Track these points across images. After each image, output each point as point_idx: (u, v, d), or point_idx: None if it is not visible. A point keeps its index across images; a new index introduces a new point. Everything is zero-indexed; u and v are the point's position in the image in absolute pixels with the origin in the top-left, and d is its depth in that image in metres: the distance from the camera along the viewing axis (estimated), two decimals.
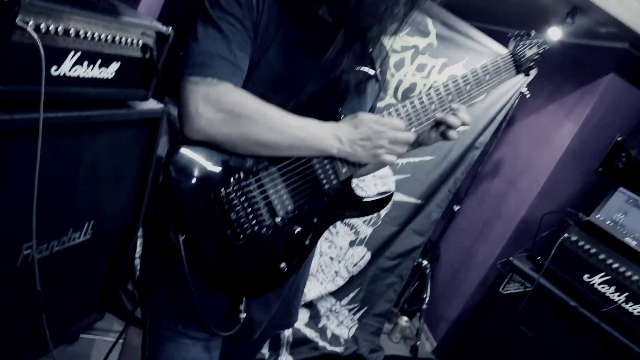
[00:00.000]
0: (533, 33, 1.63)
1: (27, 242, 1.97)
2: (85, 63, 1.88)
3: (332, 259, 3.63)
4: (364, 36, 1.34)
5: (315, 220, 1.39)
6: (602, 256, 2.98)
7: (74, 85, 1.89)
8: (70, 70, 1.84)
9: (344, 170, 1.40)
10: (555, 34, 3.47)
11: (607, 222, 3.12)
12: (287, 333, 3.46)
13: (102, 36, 1.88)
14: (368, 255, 3.68)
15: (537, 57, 1.63)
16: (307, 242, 1.39)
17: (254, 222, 1.31)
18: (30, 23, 1.58)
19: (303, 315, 3.61)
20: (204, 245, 1.28)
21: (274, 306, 1.56)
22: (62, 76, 1.81)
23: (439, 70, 3.49)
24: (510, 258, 3.34)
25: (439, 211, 3.75)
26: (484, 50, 3.47)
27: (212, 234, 1.28)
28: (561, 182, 3.80)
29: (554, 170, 3.77)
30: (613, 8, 2.97)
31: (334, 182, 1.40)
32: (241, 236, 1.30)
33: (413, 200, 3.65)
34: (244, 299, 1.40)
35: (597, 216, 3.17)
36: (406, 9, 1.36)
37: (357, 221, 3.61)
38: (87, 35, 1.81)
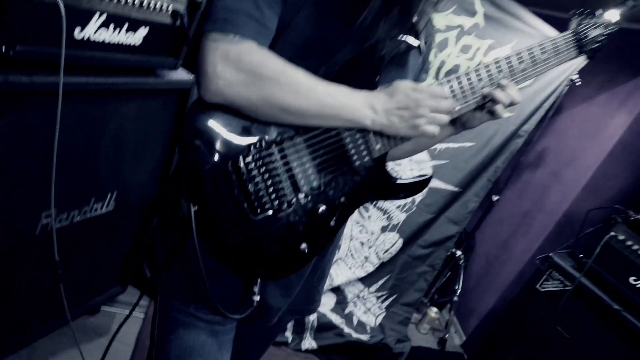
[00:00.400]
0: (599, 12, 1.49)
1: (46, 210, 1.92)
2: (111, 27, 1.79)
3: (362, 243, 3.51)
4: (406, 2, 1.20)
5: (342, 199, 1.27)
6: None
7: (99, 50, 1.81)
8: (94, 33, 1.75)
9: (378, 146, 1.27)
10: (613, 16, 3.24)
11: None
12: (312, 317, 3.37)
13: None
14: (400, 242, 3.55)
15: (602, 38, 1.48)
16: (332, 223, 1.27)
17: (274, 196, 1.20)
18: None
19: (329, 300, 3.52)
20: (217, 219, 1.18)
21: (294, 291, 1.46)
22: (85, 40, 1.72)
23: (485, 52, 3.31)
24: (550, 254, 3.17)
25: (477, 200, 3.59)
26: (534, 33, 3.26)
27: (227, 206, 1.17)
28: (610, 177, 3.59)
29: (603, 163, 3.57)
30: None
31: (366, 159, 1.27)
32: (259, 210, 1.19)
33: (450, 187, 3.50)
34: (258, 280, 1.30)
35: None
36: None
37: (390, 206, 3.48)
38: None
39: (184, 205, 1.18)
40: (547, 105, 3.46)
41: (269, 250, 1.23)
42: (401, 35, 1.28)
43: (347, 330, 3.46)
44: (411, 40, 1.30)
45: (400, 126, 1.22)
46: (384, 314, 3.68)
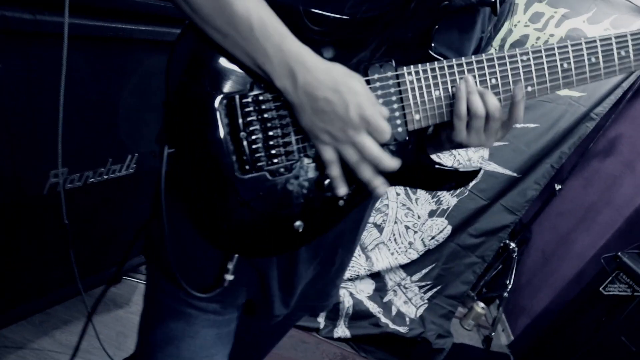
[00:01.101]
0: None
1: (54, 168, 1.74)
2: None
3: (407, 228, 3.23)
4: None
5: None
6: None
7: None
8: None
9: (417, 117, 1.00)
10: None
11: None
12: (348, 304, 3.13)
13: None
14: (448, 229, 3.25)
15: None
16: (341, 202, 0.99)
17: (272, 152, 0.94)
18: None
19: (367, 286, 3.27)
20: (196, 170, 0.95)
21: (300, 285, 1.21)
22: None
23: (557, 22, 2.98)
24: (619, 253, 2.82)
25: (537, 189, 3.25)
26: (618, 2, 2.89)
27: (210, 156, 0.93)
28: None
29: None
30: None
31: (400, 129, 0.99)
32: (248, 167, 0.94)
33: (508, 172, 3.17)
34: (235, 256, 1.05)
35: None
36: None
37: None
38: None
39: (158, 147, 0.96)
40: (625, 85, 3.08)
41: (253, 221, 0.98)
42: None
43: (384, 320, 3.21)
44: None
45: (309, 123, 0.91)
46: (425, 306, 3.40)
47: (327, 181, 0.97)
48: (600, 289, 2.85)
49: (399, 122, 0.99)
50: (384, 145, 0.97)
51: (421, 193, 3.21)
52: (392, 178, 1.00)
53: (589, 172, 3.90)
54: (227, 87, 0.92)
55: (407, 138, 1.00)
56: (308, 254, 1.18)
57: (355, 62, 0.95)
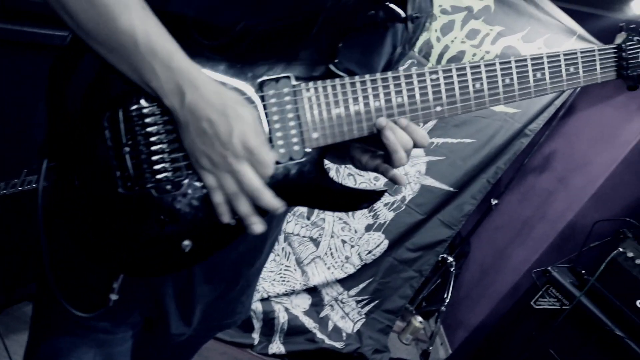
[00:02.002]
0: None
1: None
2: None
3: (344, 242, 3.20)
4: None
5: None
6: None
7: None
8: None
9: (315, 135, 0.96)
10: (638, 6, 2.92)
11: None
12: (283, 319, 3.08)
13: None
14: (385, 244, 3.23)
15: None
16: (233, 222, 0.94)
17: (157, 168, 0.89)
18: None
19: (303, 301, 3.22)
20: (79, 185, 0.89)
21: (199, 304, 1.16)
22: None
23: (493, 39, 3.00)
24: (549, 268, 2.85)
25: (474, 203, 3.27)
26: (549, 21, 2.95)
27: (93, 171, 0.89)
28: (622, 186, 3.26)
29: (615, 171, 3.24)
30: None
31: (296, 147, 0.95)
32: (129, 184, 0.89)
33: (445, 187, 3.18)
34: (121, 275, 1.00)
35: None
36: None
37: (377, 203, 3.17)
38: None
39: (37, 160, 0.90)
40: (557, 103, 3.14)
41: (137, 240, 0.92)
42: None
43: (320, 335, 3.16)
44: (394, 7, 0.97)
45: (192, 145, 0.86)
46: (363, 320, 3.37)
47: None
48: (531, 303, 2.87)
49: (295, 140, 0.94)
50: (280, 164, 0.93)
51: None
52: (290, 198, 0.95)
53: (524, 187, 3.96)
54: (112, 101, 0.87)
55: (304, 157, 0.95)
56: (206, 273, 1.13)
57: (250, 77, 0.91)
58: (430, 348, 3.59)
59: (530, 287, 3.02)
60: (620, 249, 2.58)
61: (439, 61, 3.02)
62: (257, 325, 3.05)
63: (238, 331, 2.99)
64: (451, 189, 3.20)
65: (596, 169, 3.37)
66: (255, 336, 3.04)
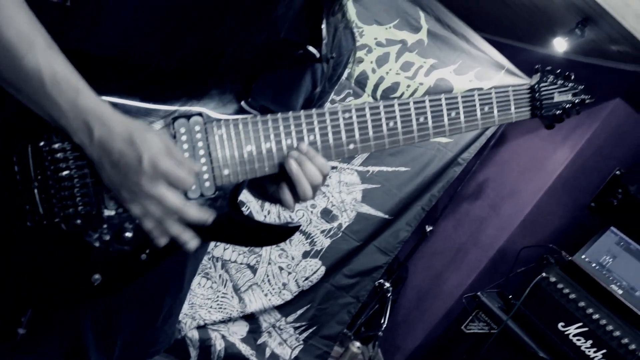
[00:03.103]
0: (572, 76, 1.25)
1: None
2: None
3: (281, 269, 3.21)
4: None
5: None
6: (582, 304, 2.59)
7: None
8: None
9: (226, 172, 0.99)
10: (560, 45, 3.10)
11: (593, 265, 2.74)
12: (219, 347, 3.05)
13: None
14: (322, 270, 3.26)
15: (568, 106, 1.23)
16: (144, 256, 0.96)
17: (66, 203, 0.90)
18: None
19: (240, 328, 3.20)
20: None
21: (120, 334, 1.16)
22: None
23: (426, 72, 3.12)
24: (479, 293, 2.95)
25: (409, 230, 3.35)
26: (479, 55, 3.09)
27: (3, 204, 0.90)
28: (547, 214, 3.41)
29: (542, 199, 3.39)
30: (629, 22, 2.59)
31: (207, 183, 0.98)
32: (37, 218, 0.90)
33: (380, 214, 3.25)
34: (29, 310, 0.99)
35: (583, 257, 2.79)
36: None
37: (314, 230, 3.21)
38: None
39: None
40: (488, 133, 3.29)
41: (47, 274, 0.93)
42: (293, 38, 1.02)
43: None
44: (310, 48, 1.02)
45: (109, 181, 0.89)
46: (301, 347, 3.38)
47: (126, 234, 0.93)
48: (462, 327, 2.95)
49: (206, 176, 0.97)
50: (191, 199, 0.95)
51: (295, 234, 3.22)
52: (204, 234, 0.98)
53: (459, 214, 4.08)
54: (21, 137, 0.89)
55: (215, 193, 0.98)
56: (127, 303, 1.13)
57: (162, 114, 0.94)
58: None
59: (461, 311, 3.11)
60: (544, 274, 2.70)
61: (374, 92, 3.11)
62: (193, 353, 3.01)
63: (173, 359, 2.95)
64: (387, 216, 3.26)
65: (525, 197, 3.51)
66: None
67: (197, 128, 0.96)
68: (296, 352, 3.35)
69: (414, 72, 3.12)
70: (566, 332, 2.59)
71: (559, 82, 1.23)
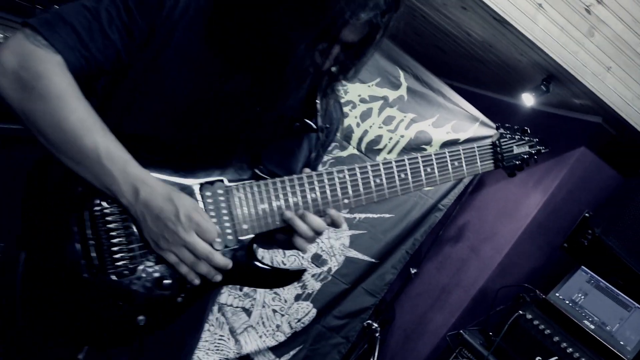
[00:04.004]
0: (528, 130, 1.48)
1: None
2: None
3: (275, 311, 3.39)
4: (282, 88, 1.16)
5: None
6: (556, 338, 2.80)
7: None
8: None
9: (245, 227, 1.20)
10: (528, 100, 3.38)
11: (566, 302, 2.96)
12: None
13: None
14: (314, 312, 3.45)
15: (526, 156, 1.47)
16: (179, 299, 1.17)
17: (116, 257, 1.11)
18: None
19: None
20: (48, 272, 1.09)
21: None
22: None
23: (407, 125, 3.37)
24: (461, 331, 3.14)
25: (394, 272, 3.55)
26: (455, 109, 3.36)
27: (62, 259, 1.09)
28: (523, 255, 3.64)
29: (518, 241, 3.62)
30: (587, 80, 2.88)
31: (230, 237, 1.19)
32: (94, 270, 1.10)
33: (367, 258, 3.45)
34: (85, 347, 1.18)
35: (557, 294, 3.01)
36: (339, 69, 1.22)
37: (305, 274, 3.39)
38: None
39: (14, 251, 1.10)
40: (466, 181, 3.52)
41: (100, 316, 1.13)
42: (293, 115, 1.24)
43: None
44: (309, 121, 1.25)
45: (150, 233, 1.09)
46: None
47: (165, 281, 1.13)
48: None
49: (229, 231, 1.18)
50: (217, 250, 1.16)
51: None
52: (227, 278, 1.18)
53: (441, 257, 4.29)
54: (78, 204, 1.09)
55: (237, 245, 1.19)
56: (155, 342, 1.31)
57: (191, 181, 1.15)
58: None
59: (445, 349, 3.29)
60: (520, 312, 2.91)
61: (359, 144, 3.35)
62: None
63: None
64: (373, 259, 3.47)
65: (503, 239, 3.74)
66: None
67: (220, 192, 1.18)
68: None
69: (395, 125, 3.37)
70: None
71: (517, 136, 1.47)
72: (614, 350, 2.69)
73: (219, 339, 3.27)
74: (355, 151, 3.34)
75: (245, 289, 3.32)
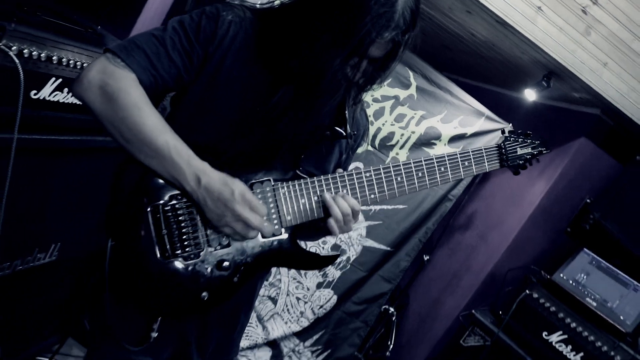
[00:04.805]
0: (531, 134, 1.68)
1: None
2: (66, 90, 1.94)
3: (298, 299, 3.64)
4: (318, 98, 1.39)
5: (248, 259, 1.42)
6: (561, 315, 3.04)
7: (53, 110, 1.95)
8: (50, 95, 1.90)
9: (289, 217, 1.44)
10: (530, 95, 3.60)
11: (570, 282, 3.19)
12: None
13: (85, 65, 1.94)
14: (334, 299, 3.70)
15: (529, 157, 1.67)
16: (235, 279, 1.41)
17: (185, 244, 1.35)
18: (14, 48, 1.64)
19: (265, 354, 3.61)
20: (130, 256, 1.33)
21: (211, 344, 1.59)
22: (41, 100, 1.87)
23: (417, 121, 3.58)
24: (473, 311, 3.38)
25: (408, 260, 3.79)
26: (462, 105, 3.57)
27: (140, 246, 1.32)
28: (529, 239, 3.88)
29: (524, 227, 3.86)
30: (586, 76, 3.10)
31: (276, 226, 1.43)
32: (167, 254, 1.33)
33: (383, 247, 3.69)
34: (159, 318, 1.42)
35: (561, 275, 3.24)
36: (364, 82, 1.45)
37: None
38: (70, 63, 1.87)
39: (104, 240, 1.33)
40: None
41: (171, 293, 1.36)
42: (327, 123, 1.47)
43: None
44: (340, 129, 1.48)
45: (208, 210, 1.32)
46: None
47: (224, 264, 1.38)
48: (461, 341, 3.38)
49: (275, 221, 1.43)
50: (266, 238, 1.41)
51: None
52: (274, 261, 1.45)
53: (452, 244, 4.53)
54: (154, 198, 1.34)
55: (282, 232, 1.43)
56: (216, 319, 1.56)
57: (244, 180, 1.40)
58: None
59: (459, 328, 3.54)
60: (527, 292, 3.15)
61: (372, 141, 3.57)
62: None
63: None
64: (388, 248, 3.72)
65: (509, 226, 3.98)
66: None
67: (268, 189, 1.42)
68: None
69: (407, 122, 3.59)
70: (549, 340, 3.03)
71: (520, 139, 1.69)
72: (614, 324, 2.93)
73: (248, 326, 3.52)
74: (370, 147, 3.57)
75: (271, 279, 3.57)
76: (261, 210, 1.34)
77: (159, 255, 1.33)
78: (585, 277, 3.25)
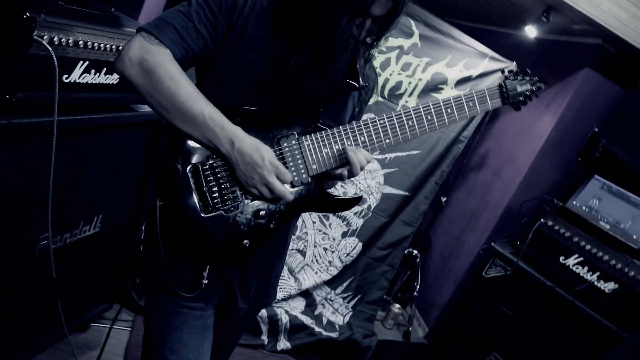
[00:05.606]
0: (529, 71, 1.78)
1: (43, 233, 2.17)
2: (93, 71, 2.10)
3: (325, 249, 3.83)
4: (332, 56, 1.51)
5: (281, 207, 1.56)
6: (576, 239, 3.19)
7: (83, 91, 2.11)
8: (79, 77, 2.05)
9: (314, 166, 1.59)
10: (531, 31, 3.68)
11: (583, 208, 3.33)
12: (285, 320, 3.66)
13: (107, 46, 2.09)
14: (360, 246, 3.88)
15: (528, 93, 1.78)
16: (272, 225, 1.56)
17: (225, 198, 1.50)
18: (45, 37, 1.79)
19: (299, 303, 3.82)
20: (177, 214, 1.48)
21: (252, 287, 1.76)
22: (72, 83, 2.02)
23: (423, 69, 3.69)
24: (492, 244, 3.55)
25: (427, 202, 3.94)
26: (465, 48, 3.66)
27: (185, 204, 1.47)
28: (542, 171, 4.01)
29: (535, 160, 3.98)
30: (584, 7, 3.17)
31: (304, 175, 1.58)
32: (210, 209, 1.49)
33: (401, 192, 3.85)
34: (207, 267, 1.58)
35: (574, 202, 3.38)
36: (374, 38, 1.57)
37: (348, 213, 3.81)
38: (94, 45, 2.02)
39: (152, 201, 1.49)
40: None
41: (216, 243, 1.51)
42: (341, 79, 1.59)
43: (317, 329, 3.77)
44: (352, 82, 1.60)
45: (239, 171, 1.46)
46: (350, 313, 3.99)
47: (261, 212, 1.54)
48: (483, 274, 3.55)
49: (302, 170, 1.58)
50: (293, 186, 1.56)
51: (333, 219, 3.83)
52: (304, 207, 1.60)
53: (468, 183, 4.67)
54: (193, 160, 1.49)
55: (309, 180, 1.59)
56: (254, 266, 1.73)
57: (271, 136, 1.55)
58: (410, 329, 4.25)
59: (480, 262, 3.71)
60: (542, 220, 3.31)
61: (382, 91, 3.69)
62: (264, 328, 3.62)
63: (249, 335, 3.55)
64: (407, 193, 3.87)
65: (521, 160, 4.11)
66: (264, 338, 3.61)
67: (294, 142, 1.57)
68: (347, 317, 3.97)
69: (413, 70, 3.69)
70: (566, 264, 3.19)
71: (519, 77, 1.81)
72: (627, 243, 3.07)
73: (281, 279, 3.72)
74: (380, 98, 3.69)
75: (298, 233, 3.76)
76: (286, 177, 1.49)
77: (203, 210, 1.48)
78: (597, 202, 3.38)
